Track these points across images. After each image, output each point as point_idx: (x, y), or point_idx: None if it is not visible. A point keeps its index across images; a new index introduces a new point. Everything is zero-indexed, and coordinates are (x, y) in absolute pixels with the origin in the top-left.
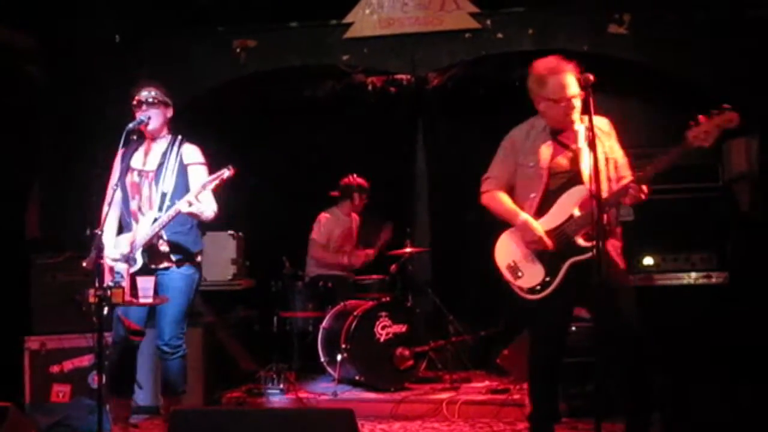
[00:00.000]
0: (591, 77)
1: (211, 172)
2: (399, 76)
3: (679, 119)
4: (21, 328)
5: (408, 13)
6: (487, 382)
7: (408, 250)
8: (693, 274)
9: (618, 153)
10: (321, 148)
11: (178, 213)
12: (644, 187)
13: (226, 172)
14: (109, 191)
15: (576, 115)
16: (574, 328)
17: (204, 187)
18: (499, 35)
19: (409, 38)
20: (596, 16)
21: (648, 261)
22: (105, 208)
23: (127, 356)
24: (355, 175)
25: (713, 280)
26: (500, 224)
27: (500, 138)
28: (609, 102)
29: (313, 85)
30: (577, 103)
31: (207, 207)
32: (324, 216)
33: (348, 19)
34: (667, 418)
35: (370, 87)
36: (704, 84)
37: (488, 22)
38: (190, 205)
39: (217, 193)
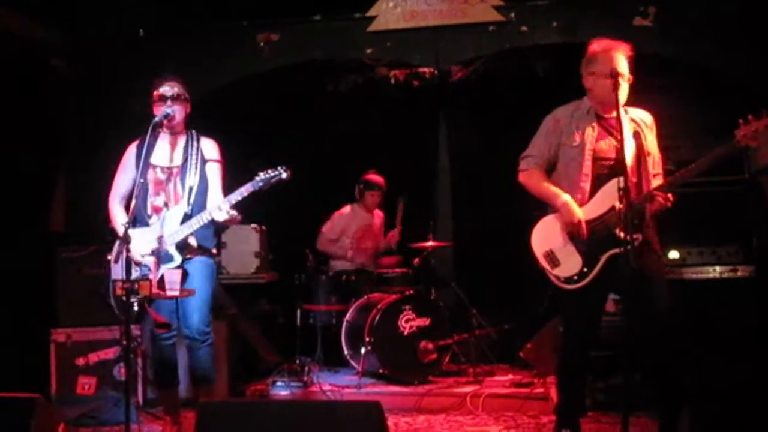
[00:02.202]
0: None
1: (231, 167)
2: (422, 70)
3: (704, 112)
4: (47, 321)
5: (432, 5)
6: (510, 376)
7: (431, 243)
8: (719, 268)
9: (656, 151)
10: (343, 142)
11: (211, 220)
12: (670, 196)
13: (282, 174)
14: (136, 185)
15: (623, 95)
16: None
17: (255, 189)
18: (524, 28)
19: (433, 31)
20: (621, 9)
21: (674, 255)
22: (114, 200)
23: (165, 349)
24: (371, 172)
25: (739, 273)
26: (525, 217)
27: (524, 131)
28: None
29: (336, 78)
30: (624, 83)
31: (238, 213)
32: (343, 211)
33: (371, 12)
34: (695, 411)
35: (393, 80)
36: (730, 76)
37: (512, 14)
38: (221, 212)
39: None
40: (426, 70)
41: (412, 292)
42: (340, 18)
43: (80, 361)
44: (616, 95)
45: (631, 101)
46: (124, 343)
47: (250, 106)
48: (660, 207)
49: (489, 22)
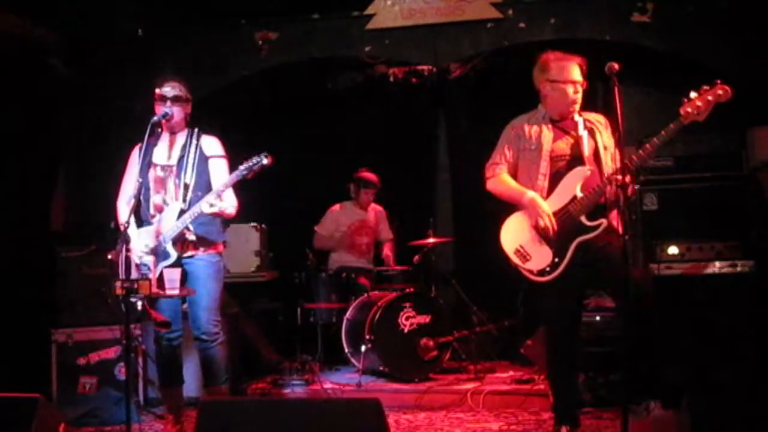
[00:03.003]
0: (615, 66)
1: (232, 163)
2: (421, 67)
3: None
4: (48, 321)
5: (430, 3)
6: (511, 372)
7: (431, 240)
8: (718, 263)
9: (613, 146)
10: (343, 140)
11: (201, 214)
12: (627, 178)
13: (263, 160)
14: (136, 185)
15: (576, 103)
16: (598, 318)
17: (239, 178)
18: (522, 25)
19: (431, 29)
20: (619, 5)
21: (673, 250)
22: (122, 202)
23: (169, 349)
24: (364, 169)
25: (738, 268)
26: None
27: None
28: (631, 92)
29: (335, 76)
30: (579, 89)
31: (229, 204)
32: (332, 208)
33: (370, 11)
34: (693, 406)
35: (391, 78)
36: (728, 71)
37: (510, 11)
38: (212, 206)
39: (243, 183)
40: (424, 67)
41: (412, 289)
42: (339, 16)
43: (81, 361)
44: (570, 102)
45: (626, 99)
46: (125, 342)
47: (248, 104)
48: (614, 192)
49: (487, 20)
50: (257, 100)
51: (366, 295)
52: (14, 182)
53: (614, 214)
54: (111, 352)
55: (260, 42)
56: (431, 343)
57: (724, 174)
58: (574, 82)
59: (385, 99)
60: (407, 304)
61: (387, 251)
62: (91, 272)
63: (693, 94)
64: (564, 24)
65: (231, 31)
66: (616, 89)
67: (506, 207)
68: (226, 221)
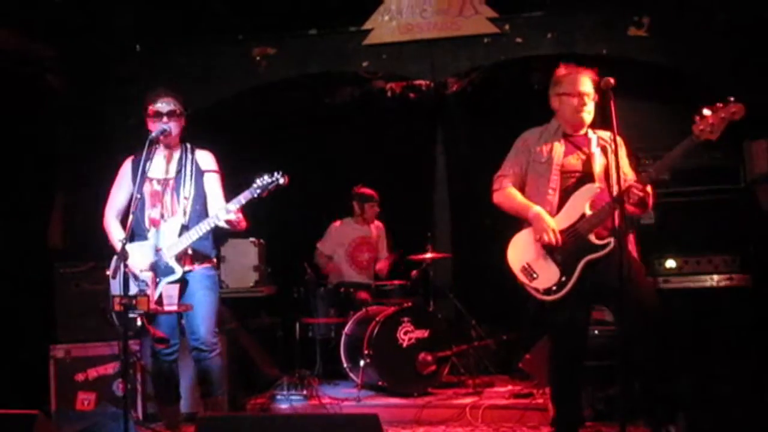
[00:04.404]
0: (611, 81)
1: (233, 179)
2: (418, 82)
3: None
4: (46, 337)
5: (427, 18)
6: (510, 387)
7: (429, 255)
8: (715, 277)
9: (627, 166)
10: (341, 155)
11: (214, 225)
12: (648, 188)
13: (280, 180)
14: (134, 200)
15: (587, 115)
16: (596, 332)
17: (254, 196)
18: (518, 40)
19: (428, 44)
20: (615, 19)
21: (670, 263)
22: (110, 212)
23: (166, 365)
24: (359, 185)
25: (735, 282)
26: (516, 228)
27: None
28: (629, 105)
29: (333, 92)
30: (590, 102)
31: (242, 217)
32: (333, 225)
33: (367, 26)
34: (691, 419)
35: (389, 93)
36: (724, 86)
37: (507, 26)
38: (228, 212)
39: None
40: (422, 82)
41: (410, 304)
42: (336, 32)
43: (79, 377)
44: (582, 116)
45: (624, 113)
46: (123, 358)
47: (247, 119)
48: (637, 200)
49: (484, 35)
50: (255, 116)
51: (364, 310)
52: (12, 198)
53: (631, 237)
54: (109, 368)
55: (258, 57)
56: (430, 357)
57: (722, 188)
58: (583, 94)
59: (382, 114)
60: (405, 319)
61: (380, 265)
62: (90, 288)
63: (706, 112)
64: (561, 39)
65: (229, 46)
66: (612, 103)
67: (505, 222)
68: (225, 236)
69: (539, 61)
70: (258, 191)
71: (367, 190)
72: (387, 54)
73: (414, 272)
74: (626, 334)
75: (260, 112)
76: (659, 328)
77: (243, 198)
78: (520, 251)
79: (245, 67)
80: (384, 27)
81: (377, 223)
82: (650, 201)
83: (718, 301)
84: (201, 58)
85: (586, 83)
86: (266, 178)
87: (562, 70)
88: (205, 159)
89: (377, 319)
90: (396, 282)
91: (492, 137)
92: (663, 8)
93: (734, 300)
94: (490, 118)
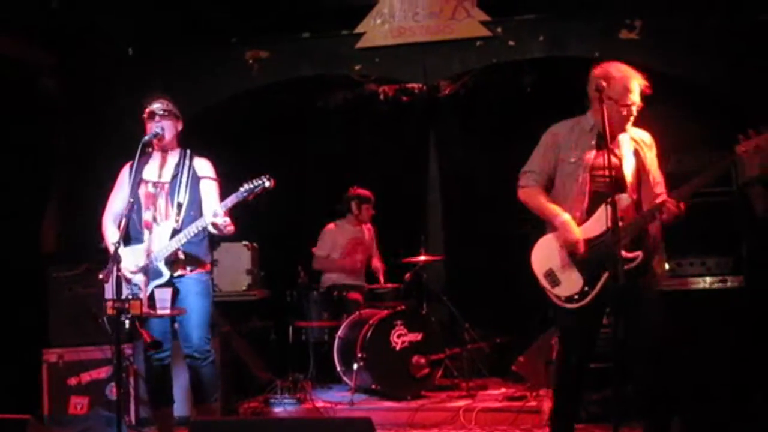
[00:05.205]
0: (603, 84)
1: (225, 183)
2: (411, 85)
3: (691, 125)
4: (38, 341)
5: (419, 22)
6: (503, 389)
7: (422, 258)
8: (708, 279)
9: (656, 169)
10: (334, 158)
11: (203, 228)
12: (682, 205)
13: (266, 183)
14: (127, 204)
15: (630, 123)
16: None
17: (240, 200)
18: (511, 43)
19: (421, 47)
20: (607, 22)
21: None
22: (107, 218)
23: (159, 369)
24: (355, 187)
25: (728, 284)
26: (515, 231)
27: (513, 145)
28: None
29: (326, 95)
30: (634, 111)
31: (229, 222)
32: (327, 228)
33: (360, 29)
34: (685, 422)
35: (382, 96)
36: (715, 88)
37: (499, 29)
38: (215, 215)
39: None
40: (414, 85)
41: (403, 307)
42: (329, 35)
43: (72, 381)
44: (625, 125)
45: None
46: (116, 362)
47: (239, 123)
48: (671, 215)
49: (476, 38)
50: (247, 119)
51: (357, 313)
52: (5, 202)
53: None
54: (102, 372)
55: (251, 61)
56: (423, 360)
57: (714, 190)
58: (631, 105)
59: (375, 117)
60: (399, 322)
61: (376, 263)
62: (83, 292)
63: (751, 132)
64: (553, 41)
65: (222, 49)
66: (604, 107)
67: (501, 226)
68: (218, 240)
69: (531, 64)
70: (245, 194)
71: (365, 192)
72: (380, 57)
73: (407, 275)
74: (632, 348)
75: (253, 115)
76: (662, 344)
77: (230, 201)
78: (544, 256)
79: (238, 70)
80: (377, 30)
81: (368, 225)
82: (683, 215)
83: (711, 303)
84: (194, 62)
85: (636, 91)
86: (254, 182)
87: (611, 69)
88: (203, 166)
89: (370, 322)
90: (389, 285)
91: (484, 140)
92: (655, 11)
93: (727, 302)
94: (482, 120)
